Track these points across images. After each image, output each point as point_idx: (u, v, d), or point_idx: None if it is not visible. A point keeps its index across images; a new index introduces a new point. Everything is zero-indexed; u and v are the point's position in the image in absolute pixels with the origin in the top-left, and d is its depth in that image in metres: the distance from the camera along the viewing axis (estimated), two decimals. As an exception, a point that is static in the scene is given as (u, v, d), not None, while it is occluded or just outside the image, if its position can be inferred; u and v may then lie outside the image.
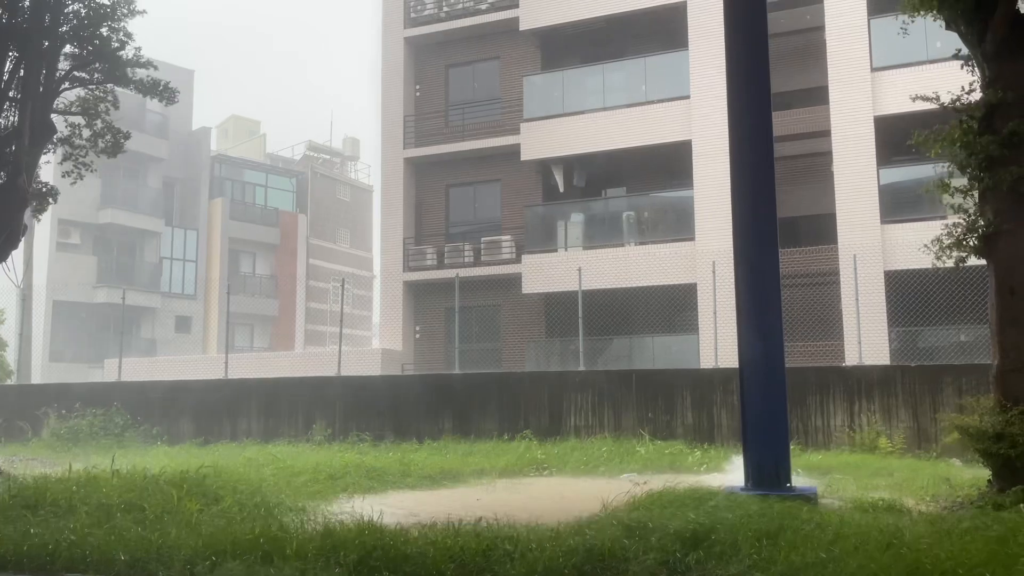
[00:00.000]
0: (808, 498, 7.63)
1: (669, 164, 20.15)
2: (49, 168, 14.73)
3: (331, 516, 7.18)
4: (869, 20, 17.99)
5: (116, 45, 12.59)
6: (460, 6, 23.03)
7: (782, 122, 16.75)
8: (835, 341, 17.05)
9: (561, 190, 21.03)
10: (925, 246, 8.70)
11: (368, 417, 15.96)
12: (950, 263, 8.55)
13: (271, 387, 17.03)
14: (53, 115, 12.39)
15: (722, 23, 9.12)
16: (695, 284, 18.29)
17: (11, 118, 11.90)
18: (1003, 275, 8.08)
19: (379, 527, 6.18)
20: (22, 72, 11.89)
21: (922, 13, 8.92)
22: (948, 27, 8.84)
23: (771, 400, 8.26)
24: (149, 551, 6.00)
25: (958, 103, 8.55)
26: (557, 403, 15.00)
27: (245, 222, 39.70)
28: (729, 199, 8.81)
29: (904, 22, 9.55)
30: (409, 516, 7.38)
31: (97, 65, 12.74)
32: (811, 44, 19.27)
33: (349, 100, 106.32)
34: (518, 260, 20.86)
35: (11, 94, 11.90)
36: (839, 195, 17.89)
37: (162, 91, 13.07)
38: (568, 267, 18.27)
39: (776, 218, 8.54)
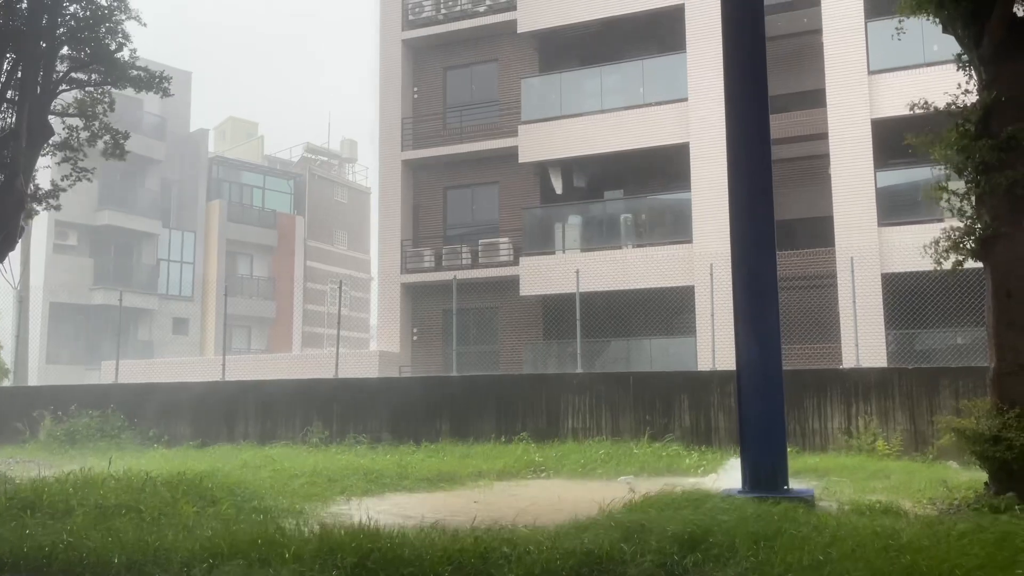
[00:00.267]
0: (805, 501, 7.63)
1: (667, 166, 20.17)
2: (47, 171, 14.67)
3: (328, 519, 7.18)
4: (866, 23, 18.03)
5: (113, 47, 12.58)
6: (458, 8, 23.04)
7: (779, 125, 16.76)
8: (832, 344, 17.06)
9: (558, 192, 21.03)
10: (924, 247, 8.71)
11: (365, 419, 15.95)
12: (948, 266, 8.55)
13: (268, 389, 17.01)
14: (50, 117, 12.38)
15: (720, 26, 9.13)
16: (693, 286, 18.30)
17: (8, 119, 11.89)
18: (1000, 278, 8.09)
19: (376, 530, 6.18)
20: (19, 73, 11.89)
21: (919, 15, 8.94)
22: (945, 30, 8.85)
23: (768, 403, 8.27)
24: (146, 553, 5.99)
25: (953, 106, 8.56)
26: (555, 405, 15.00)
27: (243, 224, 39.68)
28: (727, 201, 8.82)
29: (899, 23, 9.57)
30: (407, 519, 7.38)
31: (94, 67, 12.73)
32: (808, 47, 19.30)
33: (347, 102, 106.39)
34: (516, 262, 20.87)
35: (8, 95, 11.89)
36: (836, 198, 17.92)
37: (158, 84, 13.04)
38: (566, 269, 18.27)
39: (774, 220, 8.55)
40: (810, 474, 10.74)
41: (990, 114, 8.17)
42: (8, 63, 11.88)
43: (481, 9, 22.73)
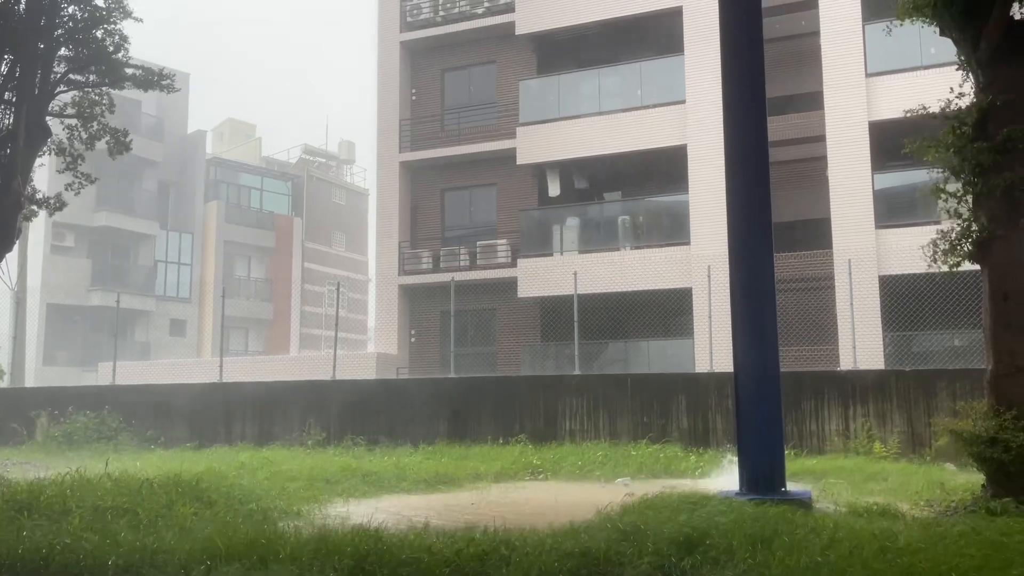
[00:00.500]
0: (803, 503, 7.65)
1: (665, 169, 20.19)
2: (44, 172, 14.64)
3: (326, 521, 7.17)
4: (864, 26, 18.05)
5: (111, 48, 12.57)
6: (456, 11, 23.05)
7: (777, 127, 16.79)
8: (830, 346, 17.08)
9: (555, 194, 21.01)
10: (921, 248, 8.73)
11: (363, 421, 15.94)
12: (945, 268, 8.57)
13: (266, 391, 17.00)
14: (48, 118, 12.36)
15: (717, 28, 9.14)
16: (690, 288, 18.31)
17: (6, 120, 11.86)
18: (997, 280, 8.11)
19: (374, 532, 6.17)
20: (17, 74, 11.87)
21: (916, 19, 8.96)
22: (942, 33, 8.88)
23: (766, 405, 8.28)
24: (144, 555, 5.98)
25: (948, 109, 8.58)
26: (552, 407, 15.00)
27: (240, 225, 39.65)
28: (724, 203, 8.83)
29: (889, 23, 9.60)
30: (404, 520, 7.37)
31: (92, 67, 12.71)
32: (806, 49, 19.33)
33: (345, 104, 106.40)
34: (514, 264, 20.87)
35: (6, 96, 11.87)
36: (834, 200, 17.94)
37: (159, 81, 13.03)
38: (564, 271, 18.28)
39: (771, 223, 8.57)
40: (807, 476, 10.74)
41: (986, 117, 8.20)
42: (6, 64, 11.86)
43: (479, 11, 22.75)
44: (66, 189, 12.92)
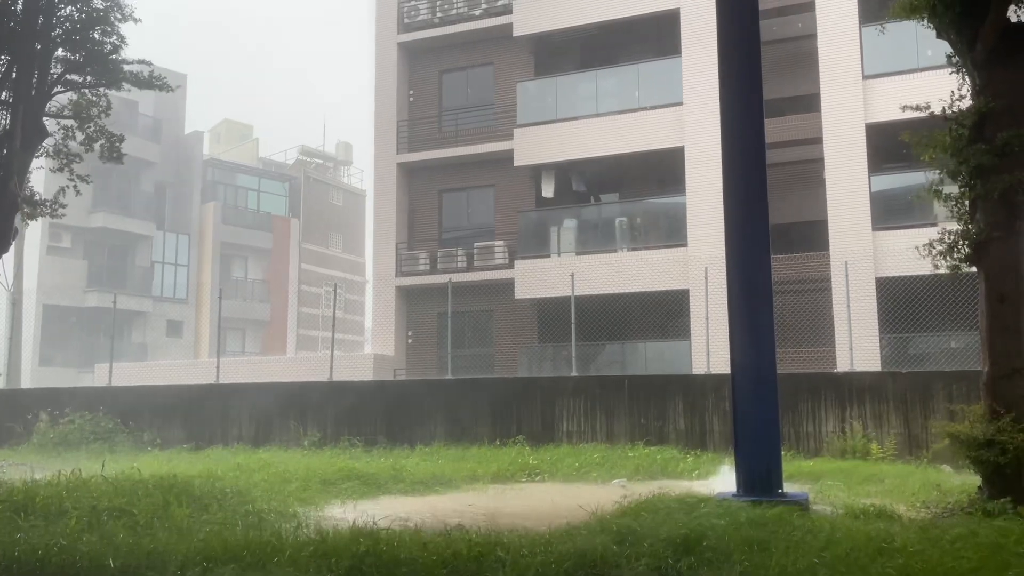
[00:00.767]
0: (799, 504, 7.65)
1: (662, 170, 20.21)
2: (41, 173, 14.61)
3: (323, 522, 7.16)
4: (860, 28, 18.09)
5: (109, 48, 12.55)
6: (454, 12, 23.07)
7: (774, 129, 16.82)
8: (827, 347, 17.10)
9: (549, 195, 21.00)
10: (916, 248, 8.73)
11: (360, 422, 15.93)
12: (942, 270, 8.58)
13: (263, 392, 16.98)
14: (45, 119, 12.34)
15: (715, 30, 9.16)
16: (687, 290, 18.32)
17: (2, 121, 11.85)
18: (993, 282, 8.12)
19: (371, 533, 6.17)
20: (14, 75, 11.85)
21: (913, 19, 8.98)
22: (939, 35, 8.89)
23: (763, 406, 8.29)
24: (140, 557, 5.97)
25: (947, 111, 8.60)
26: (550, 409, 15.00)
27: (237, 226, 39.61)
28: (722, 205, 8.84)
29: (882, 24, 9.62)
30: (401, 522, 7.36)
31: (89, 68, 12.69)
32: (803, 52, 19.37)
33: (342, 105, 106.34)
34: (511, 265, 20.87)
35: (2, 97, 11.85)
36: (831, 202, 17.97)
37: (156, 82, 13.01)
38: (561, 273, 18.29)
39: (768, 224, 8.58)
40: (804, 478, 10.75)
41: (984, 119, 8.21)
42: (2, 65, 11.84)
43: (477, 13, 22.76)
44: (63, 191, 12.88)
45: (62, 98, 13.11)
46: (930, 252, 8.58)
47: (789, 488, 8.59)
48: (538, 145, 20.83)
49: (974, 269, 8.43)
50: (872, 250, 17.21)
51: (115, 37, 12.56)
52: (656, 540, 5.90)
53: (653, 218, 20.30)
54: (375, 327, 23.15)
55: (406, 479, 11.28)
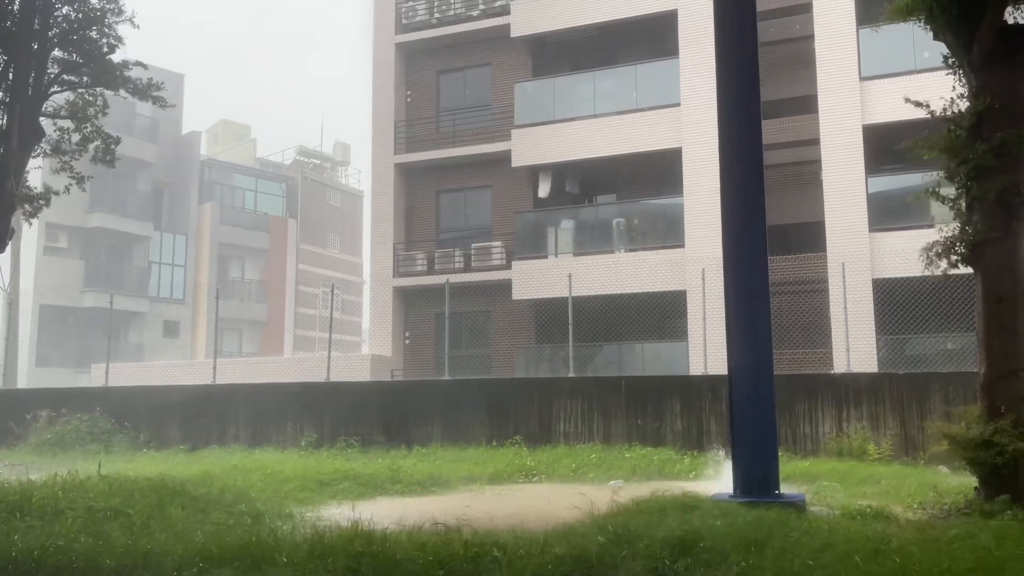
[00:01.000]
0: (796, 505, 7.65)
1: (659, 171, 20.21)
2: (38, 173, 14.60)
3: (320, 522, 7.15)
4: (858, 30, 18.10)
5: (106, 48, 12.55)
6: (452, 13, 23.07)
7: (772, 130, 16.80)
8: (824, 349, 17.11)
9: (544, 195, 20.99)
10: (918, 252, 8.74)
11: (357, 423, 15.92)
12: (939, 271, 8.59)
13: (259, 392, 16.96)
14: (42, 118, 12.33)
15: (712, 31, 9.16)
16: (685, 291, 18.33)
17: (-1, 121, 11.85)
18: (990, 283, 8.13)
19: (368, 533, 6.16)
20: (11, 75, 11.84)
21: (910, 20, 8.99)
22: (936, 37, 8.90)
23: (760, 407, 8.28)
24: (137, 557, 5.96)
25: (945, 111, 8.61)
26: (547, 410, 14.99)
27: (234, 227, 39.59)
28: (719, 206, 8.84)
29: (877, 25, 9.63)
30: (398, 522, 7.36)
31: (86, 68, 12.69)
32: (801, 53, 19.38)
33: (340, 105, 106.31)
34: (508, 266, 20.86)
35: (-1, 96, 11.86)
36: (828, 203, 17.98)
37: (153, 93, 13.01)
38: (558, 273, 18.29)
39: (765, 225, 8.58)
40: (801, 479, 10.76)
41: (980, 120, 8.22)
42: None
43: (474, 13, 22.76)
44: (66, 190, 12.88)
45: (59, 98, 13.10)
46: (927, 254, 8.57)
47: (786, 489, 8.59)
48: (536, 146, 20.83)
49: (971, 270, 8.44)
50: (869, 251, 17.23)
51: (112, 37, 12.56)
52: (653, 541, 5.89)
53: (650, 219, 20.31)
54: (372, 328, 23.13)
55: (403, 480, 11.28)
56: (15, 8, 11.91)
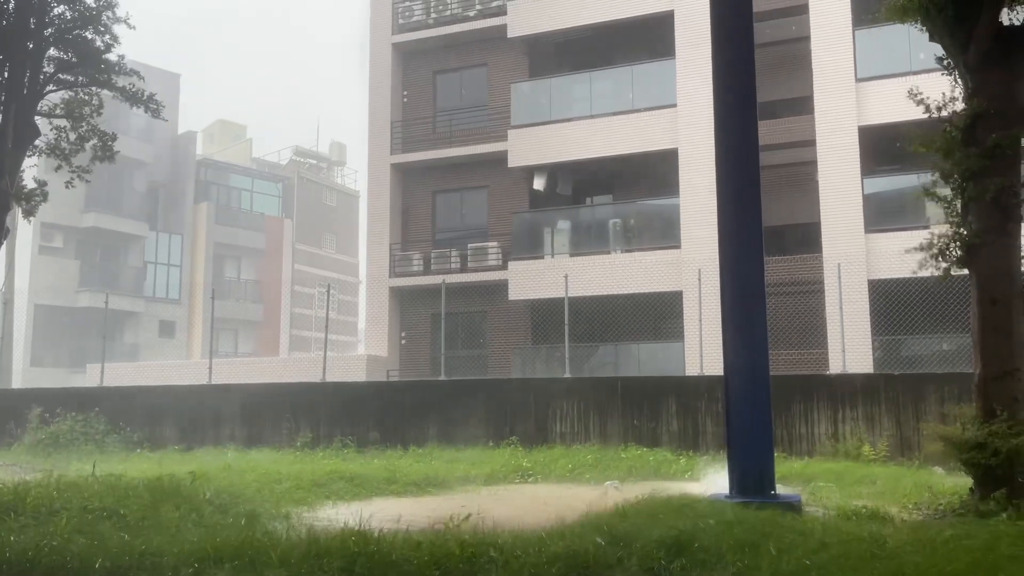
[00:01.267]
0: (792, 506, 7.66)
1: (656, 172, 20.21)
2: (34, 172, 14.58)
3: (316, 523, 7.14)
4: (854, 31, 18.13)
5: (101, 48, 12.52)
6: (448, 13, 23.06)
7: (768, 131, 16.80)
8: (819, 349, 17.13)
9: (537, 188, 20.97)
10: (911, 250, 8.75)
11: (353, 423, 15.90)
12: (936, 272, 8.60)
13: (255, 393, 16.94)
14: (37, 118, 12.30)
15: (709, 32, 9.17)
16: (681, 292, 18.34)
17: (-6, 120, 11.80)
18: (985, 285, 8.14)
19: (364, 534, 6.15)
20: (6, 73, 11.81)
21: (906, 21, 9.01)
22: (932, 38, 8.92)
23: (756, 408, 8.29)
24: (131, 558, 5.94)
25: (942, 112, 8.62)
26: (543, 410, 14.99)
27: (230, 227, 39.52)
28: (715, 207, 8.85)
29: (874, 26, 9.63)
30: (394, 523, 7.35)
31: (82, 68, 12.65)
32: (797, 54, 19.39)
33: (336, 105, 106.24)
34: (504, 267, 20.86)
35: (-6, 95, 11.81)
36: (824, 204, 18.00)
37: (147, 101, 12.98)
38: (554, 274, 18.28)
39: (761, 226, 8.59)
40: (797, 479, 10.77)
41: (976, 122, 8.23)
42: (-5, 63, 11.81)
43: (471, 14, 22.76)
44: (69, 184, 12.85)
45: (54, 97, 13.07)
46: (924, 255, 8.57)
47: (782, 489, 8.60)
48: (532, 146, 20.83)
49: (966, 272, 8.46)
50: (865, 252, 17.25)
51: (107, 36, 12.53)
52: (648, 541, 5.89)
53: (647, 220, 20.32)
54: (368, 328, 23.10)
55: (399, 480, 11.26)
56: (10, 7, 11.87)
